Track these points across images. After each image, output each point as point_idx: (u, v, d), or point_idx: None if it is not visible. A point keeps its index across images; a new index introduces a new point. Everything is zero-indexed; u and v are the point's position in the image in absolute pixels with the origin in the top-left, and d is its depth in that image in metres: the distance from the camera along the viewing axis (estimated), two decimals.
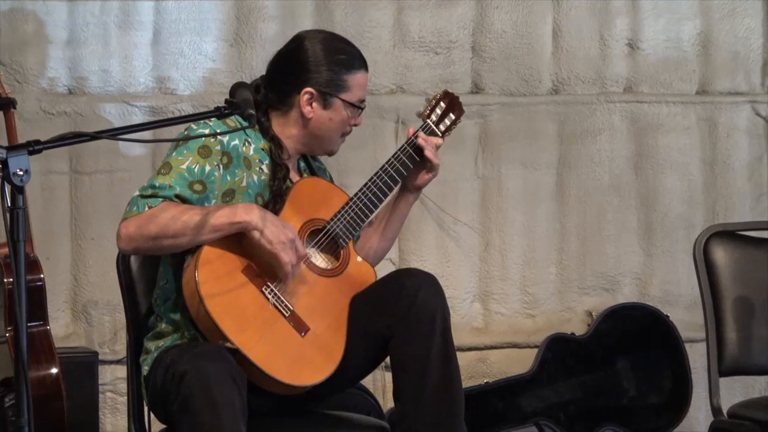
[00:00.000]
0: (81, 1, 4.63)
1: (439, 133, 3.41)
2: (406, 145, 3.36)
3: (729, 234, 3.90)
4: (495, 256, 4.96)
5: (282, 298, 3.13)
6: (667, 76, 5.11)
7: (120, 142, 4.33)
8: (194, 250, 3.11)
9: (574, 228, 5.02)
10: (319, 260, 3.23)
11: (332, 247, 3.25)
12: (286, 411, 3.23)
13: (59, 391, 3.70)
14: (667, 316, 4.87)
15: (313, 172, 3.42)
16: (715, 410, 3.70)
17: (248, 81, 3.36)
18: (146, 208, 3.08)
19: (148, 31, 4.69)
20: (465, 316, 4.93)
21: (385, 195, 3.31)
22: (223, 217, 3.07)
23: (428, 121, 3.40)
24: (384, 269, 4.71)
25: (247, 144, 3.23)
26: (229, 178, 3.18)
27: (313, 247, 3.24)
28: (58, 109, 4.61)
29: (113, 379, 4.63)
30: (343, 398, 3.93)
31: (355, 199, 3.28)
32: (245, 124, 3.02)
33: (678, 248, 5.04)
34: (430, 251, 4.90)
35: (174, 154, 3.16)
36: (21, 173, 2.55)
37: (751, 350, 3.79)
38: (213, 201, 3.17)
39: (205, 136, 3.15)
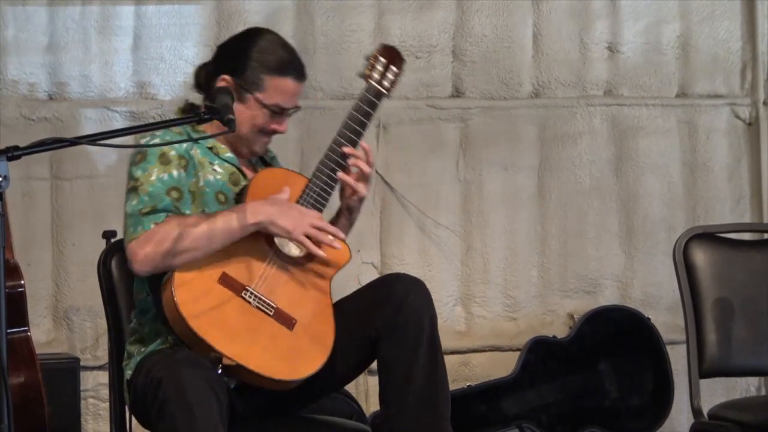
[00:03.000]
0: (61, 7, 4.62)
1: (384, 91, 3.31)
2: (352, 111, 3.28)
3: (709, 236, 3.91)
4: (476, 260, 4.97)
5: (263, 297, 3.13)
6: (647, 79, 5.13)
7: (101, 148, 4.33)
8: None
9: (556, 231, 5.03)
10: (291, 248, 3.21)
11: None
12: (270, 415, 3.23)
13: (40, 397, 3.69)
14: (649, 319, 4.88)
15: (267, 164, 3.41)
16: (696, 412, 3.71)
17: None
18: (152, 225, 3.09)
19: (128, 37, 4.69)
20: (447, 320, 4.93)
21: (341, 167, 3.25)
22: (235, 221, 3.10)
23: (371, 81, 3.31)
24: (366, 273, 4.73)
25: (194, 149, 3.25)
26: (189, 180, 3.21)
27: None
28: (38, 114, 4.60)
29: (95, 385, 4.62)
30: (326, 402, 3.93)
31: (313, 179, 3.24)
32: (193, 134, 3.14)
33: (659, 250, 5.06)
34: (412, 255, 4.90)
35: (138, 172, 3.17)
36: (0, 179, 2.55)
37: (731, 352, 3.80)
38: (190, 204, 3.19)
39: (167, 143, 3.17)
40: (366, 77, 3.32)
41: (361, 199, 3.31)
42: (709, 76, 5.17)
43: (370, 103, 3.30)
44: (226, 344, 3.04)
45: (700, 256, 3.86)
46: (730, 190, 5.17)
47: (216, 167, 3.26)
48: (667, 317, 5.00)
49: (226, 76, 3.26)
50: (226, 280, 3.12)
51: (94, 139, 2.82)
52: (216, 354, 3.02)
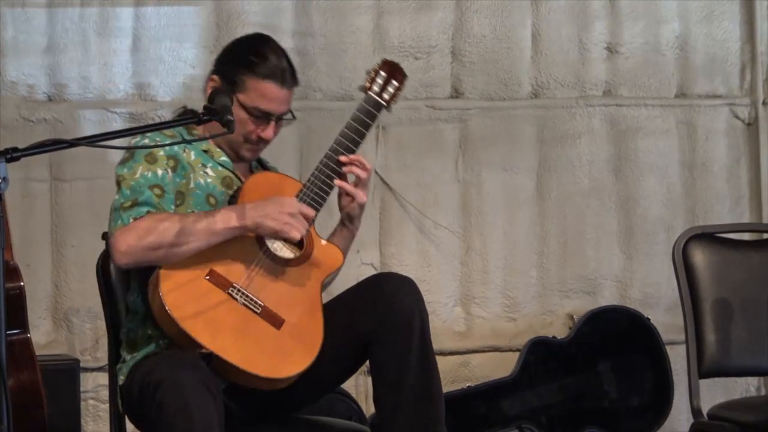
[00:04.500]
0: (60, 8, 4.62)
1: (383, 103, 3.31)
2: (350, 121, 3.28)
3: (708, 236, 3.92)
4: (476, 260, 4.97)
5: (250, 295, 3.12)
6: (646, 79, 5.13)
7: (100, 149, 4.32)
8: (154, 268, 3.11)
9: (555, 231, 5.04)
10: (284, 251, 3.21)
11: None
12: (268, 417, 3.23)
13: (40, 398, 3.68)
14: (648, 319, 4.88)
15: (266, 170, 3.42)
16: (695, 412, 3.71)
17: None
18: (131, 220, 3.09)
19: (127, 38, 4.69)
20: (446, 321, 4.93)
21: (338, 174, 3.25)
22: (221, 222, 3.09)
23: (370, 93, 3.30)
24: (365, 274, 4.72)
25: (187, 151, 3.25)
26: (177, 180, 3.21)
27: (275, 238, 3.21)
28: (37, 116, 4.60)
29: (95, 387, 4.62)
30: (325, 403, 3.93)
31: (308, 184, 3.24)
32: (186, 135, 3.17)
33: (658, 251, 5.06)
34: (411, 256, 4.90)
35: (124, 170, 3.19)
36: None
37: (731, 352, 3.80)
38: (173, 204, 3.19)
39: (166, 145, 3.18)
40: (365, 89, 3.32)
41: (361, 206, 3.29)
42: (708, 76, 5.18)
43: (368, 113, 3.29)
44: (210, 340, 3.04)
45: (700, 257, 3.86)
46: (729, 191, 5.17)
47: (209, 170, 3.26)
48: (666, 317, 5.00)
49: (215, 76, 3.28)
50: (213, 277, 3.11)
51: (93, 140, 2.82)
52: (206, 350, 3.03)
